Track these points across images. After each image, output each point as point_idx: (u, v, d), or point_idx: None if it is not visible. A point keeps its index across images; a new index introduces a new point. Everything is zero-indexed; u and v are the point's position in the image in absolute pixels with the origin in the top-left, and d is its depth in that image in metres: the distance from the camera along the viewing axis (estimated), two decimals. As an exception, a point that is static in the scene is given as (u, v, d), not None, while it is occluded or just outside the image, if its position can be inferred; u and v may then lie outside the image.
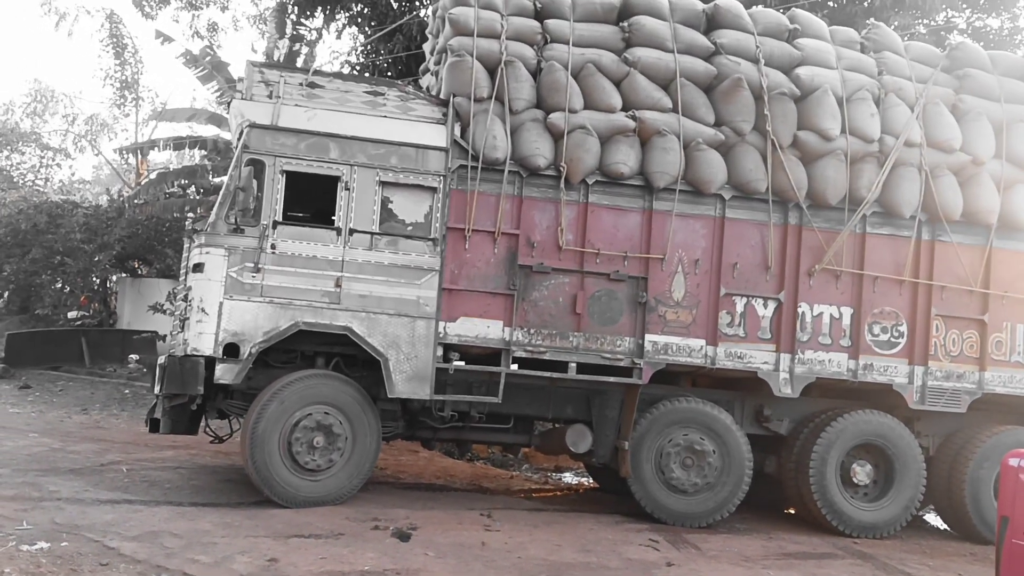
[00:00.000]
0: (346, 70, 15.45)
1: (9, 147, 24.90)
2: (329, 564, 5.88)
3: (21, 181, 24.73)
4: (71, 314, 18.61)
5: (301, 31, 17.32)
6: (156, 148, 18.39)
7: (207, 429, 8.22)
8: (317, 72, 8.19)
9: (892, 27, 13.77)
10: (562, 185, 7.83)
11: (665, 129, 7.90)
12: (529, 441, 8.76)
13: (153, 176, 20.19)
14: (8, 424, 11.09)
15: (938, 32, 15.97)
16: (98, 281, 19.34)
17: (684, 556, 7.00)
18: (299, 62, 16.55)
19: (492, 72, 7.90)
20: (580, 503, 9.10)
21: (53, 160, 25.86)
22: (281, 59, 16.49)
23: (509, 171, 7.82)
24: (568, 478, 11.14)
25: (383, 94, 8.04)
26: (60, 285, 18.77)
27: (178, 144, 17.83)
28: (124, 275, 19.88)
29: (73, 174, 30.39)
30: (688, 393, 8.40)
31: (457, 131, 7.84)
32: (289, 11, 16.98)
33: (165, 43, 17.81)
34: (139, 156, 21.28)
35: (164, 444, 10.12)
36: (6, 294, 19.94)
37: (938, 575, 7.14)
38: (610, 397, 8.27)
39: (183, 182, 18.37)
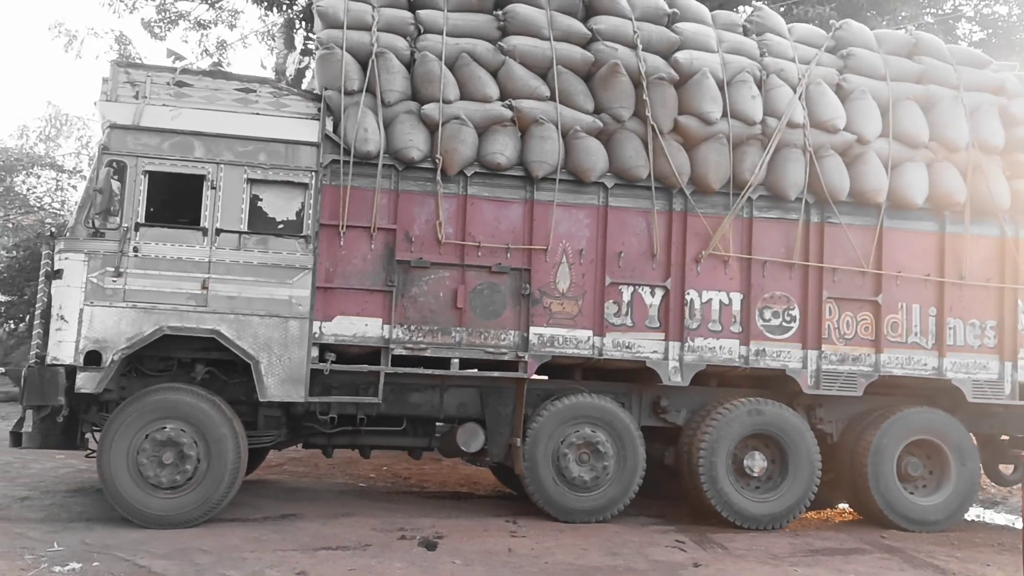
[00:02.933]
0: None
1: (24, 171, 24.63)
2: (358, 575, 5.90)
3: (37, 204, 24.34)
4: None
5: (310, 45, 17.12)
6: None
7: (84, 442, 7.90)
8: (186, 71, 7.97)
9: (900, 17, 13.76)
10: (438, 177, 7.65)
11: (542, 118, 7.75)
12: (430, 443, 8.53)
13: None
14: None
15: (946, 21, 15.94)
16: (120, 299, 19.05)
17: (711, 556, 6.94)
18: (308, 76, 16.28)
19: (365, 65, 7.72)
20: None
21: (69, 182, 25.52)
22: (292, 74, 16.31)
23: (384, 164, 7.63)
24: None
25: (255, 91, 7.83)
26: (82, 306, 18.56)
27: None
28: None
29: (89, 196, 30.05)
30: (583, 387, 8.22)
31: (330, 126, 7.64)
32: (297, 26, 16.69)
33: (177, 62, 17.54)
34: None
35: None
36: (27, 317, 19.63)
37: (967, 567, 7.04)
38: (504, 394, 8.07)
39: None
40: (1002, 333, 8.49)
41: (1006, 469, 9.55)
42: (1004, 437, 9.29)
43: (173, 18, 18.72)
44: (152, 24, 18.56)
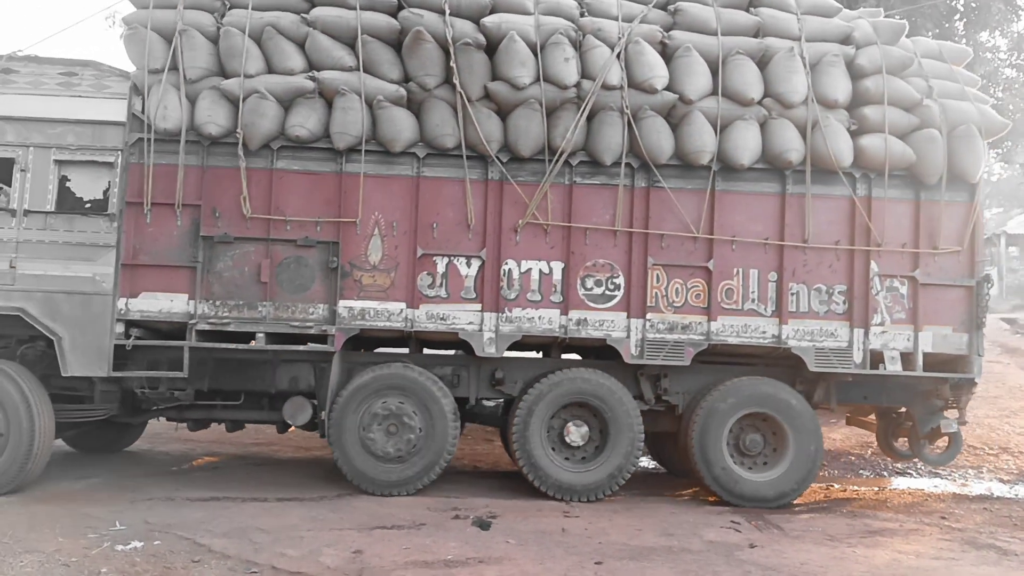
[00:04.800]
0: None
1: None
2: (413, 554, 6.01)
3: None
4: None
5: None
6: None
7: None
8: (12, 58, 8.17)
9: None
10: (240, 152, 7.68)
11: (344, 88, 7.67)
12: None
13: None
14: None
15: None
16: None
17: (767, 537, 6.90)
18: None
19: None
20: (659, 487, 9.00)
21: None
22: None
23: (191, 141, 7.71)
24: (644, 462, 10.84)
25: (77, 74, 7.99)
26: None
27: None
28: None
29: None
30: (405, 359, 8.16)
31: (139, 105, 7.76)
32: None
33: None
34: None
35: (247, 442, 10.82)
36: None
37: (1030, 547, 6.93)
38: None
39: None
40: (852, 298, 8.03)
41: (902, 443, 9.10)
42: (902, 409, 8.81)
43: None
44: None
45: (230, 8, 7.94)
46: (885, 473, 10.54)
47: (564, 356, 8.60)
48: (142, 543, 6.03)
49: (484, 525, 6.79)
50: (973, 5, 15.26)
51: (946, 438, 8.63)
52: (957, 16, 15.50)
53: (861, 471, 10.58)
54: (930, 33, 14.40)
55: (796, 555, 6.32)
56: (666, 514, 7.49)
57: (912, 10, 14.32)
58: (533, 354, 8.86)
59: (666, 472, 10.12)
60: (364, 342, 8.56)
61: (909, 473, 10.50)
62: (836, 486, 9.53)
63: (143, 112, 7.69)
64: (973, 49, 14.84)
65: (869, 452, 11.12)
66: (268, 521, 6.75)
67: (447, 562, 5.85)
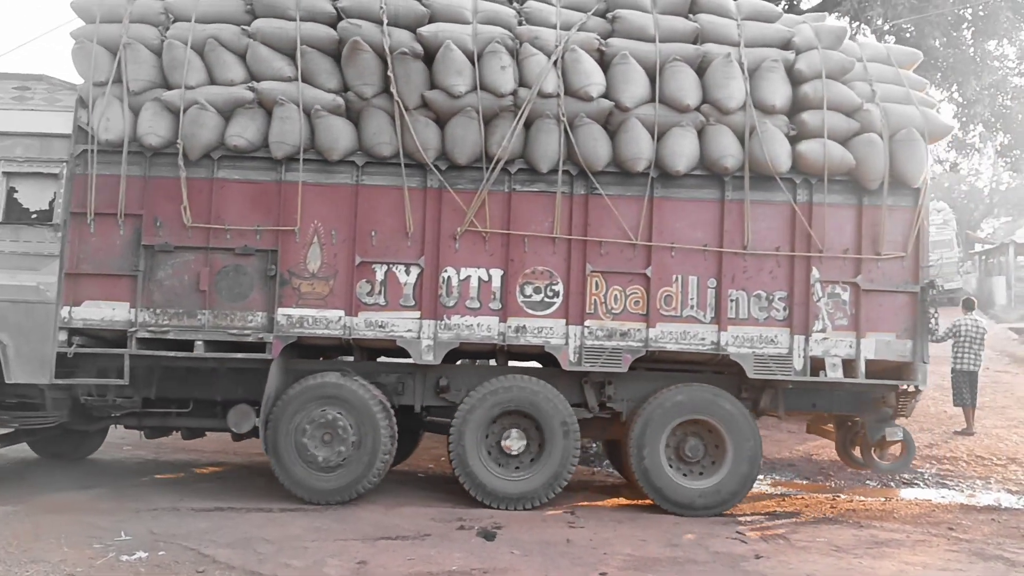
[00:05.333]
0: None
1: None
2: (417, 565, 6.03)
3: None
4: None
5: None
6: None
7: None
8: (-31, 73, 8.39)
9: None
10: (180, 162, 7.80)
11: (282, 98, 7.77)
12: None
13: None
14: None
15: None
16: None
17: (773, 548, 6.91)
18: None
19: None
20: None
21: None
22: None
23: (134, 152, 7.86)
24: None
25: (30, 88, 8.17)
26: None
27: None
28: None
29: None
30: (347, 368, 8.22)
31: (85, 117, 7.92)
32: None
33: None
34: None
35: (252, 452, 10.68)
36: None
37: (1037, 558, 6.86)
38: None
39: None
40: (793, 305, 7.98)
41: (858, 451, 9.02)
42: (856, 418, 8.73)
43: None
44: None
45: (174, 21, 8.07)
46: (892, 484, 10.43)
47: (525, 364, 8.63)
48: (147, 553, 6.05)
49: (489, 536, 6.81)
50: (981, 14, 15.07)
51: (899, 446, 8.54)
52: (965, 25, 15.34)
53: (868, 481, 10.47)
54: (937, 41, 14.29)
55: (802, 566, 6.27)
56: (670, 524, 7.48)
57: (920, 19, 14.20)
58: (491, 362, 8.91)
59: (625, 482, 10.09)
60: (322, 351, 8.62)
61: (916, 484, 10.38)
62: (843, 496, 9.48)
63: (88, 124, 7.84)
64: (981, 57, 14.78)
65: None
66: (272, 531, 6.77)
67: (451, 573, 5.86)
